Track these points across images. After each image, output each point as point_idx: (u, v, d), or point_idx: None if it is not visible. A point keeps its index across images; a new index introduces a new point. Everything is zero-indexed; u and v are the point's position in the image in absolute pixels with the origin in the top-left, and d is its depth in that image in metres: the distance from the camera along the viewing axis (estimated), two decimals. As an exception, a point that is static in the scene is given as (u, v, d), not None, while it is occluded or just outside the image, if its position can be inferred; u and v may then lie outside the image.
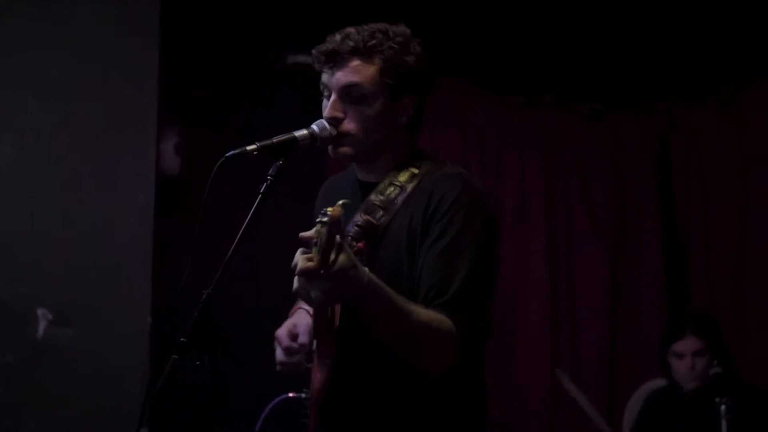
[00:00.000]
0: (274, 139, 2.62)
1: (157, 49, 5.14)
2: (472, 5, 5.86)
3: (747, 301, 6.26)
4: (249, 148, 2.57)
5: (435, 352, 2.59)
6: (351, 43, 2.73)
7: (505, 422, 5.69)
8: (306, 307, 2.93)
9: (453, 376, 2.66)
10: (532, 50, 6.25)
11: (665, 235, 6.58)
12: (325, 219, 2.21)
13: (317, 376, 2.72)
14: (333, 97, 2.75)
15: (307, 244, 2.34)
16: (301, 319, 2.92)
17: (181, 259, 5.35)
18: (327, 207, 2.55)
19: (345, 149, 2.76)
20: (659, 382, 5.52)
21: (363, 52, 2.73)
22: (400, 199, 2.74)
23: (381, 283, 2.46)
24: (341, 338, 2.69)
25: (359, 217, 2.73)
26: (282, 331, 2.91)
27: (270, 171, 2.58)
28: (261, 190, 2.54)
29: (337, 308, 2.70)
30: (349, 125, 2.74)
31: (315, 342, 2.78)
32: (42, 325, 4.81)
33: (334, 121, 2.73)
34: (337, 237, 2.25)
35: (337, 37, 2.76)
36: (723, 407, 4.58)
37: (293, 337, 2.87)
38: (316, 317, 2.72)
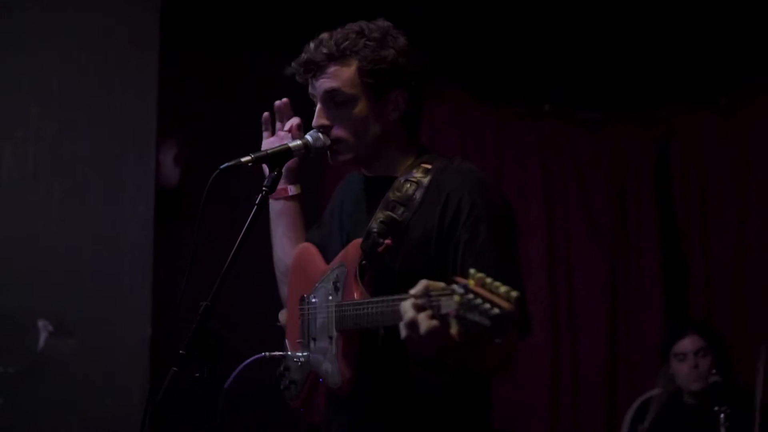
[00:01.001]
0: (269, 150, 2.63)
1: (156, 59, 5.14)
2: (472, 14, 5.87)
3: (746, 307, 6.25)
4: (244, 159, 2.58)
5: (505, 362, 2.62)
6: (324, 50, 2.73)
7: (506, 430, 5.69)
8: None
9: (462, 381, 2.66)
10: (532, 59, 6.26)
11: (664, 241, 6.58)
12: (479, 303, 2.09)
13: (344, 371, 2.68)
14: (318, 106, 2.76)
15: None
16: None
17: (182, 270, 5.34)
18: (345, 203, 2.55)
19: (342, 156, 2.77)
20: (654, 392, 5.51)
21: (337, 56, 2.72)
22: (417, 195, 2.72)
23: None
24: (369, 340, 2.67)
25: (380, 214, 2.71)
26: (284, 315, 2.92)
27: (265, 182, 2.58)
28: (256, 201, 2.55)
29: None
30: (338, 131, 2.74)
31: (341, 337, 2.75)
32: (43, 337, 4.81)
33: (322, 129, 2.73)
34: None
35: (312, 45, 2.76)
36: (722, 415, 4.58)
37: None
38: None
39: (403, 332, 2.26)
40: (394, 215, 2.70)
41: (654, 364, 5.52)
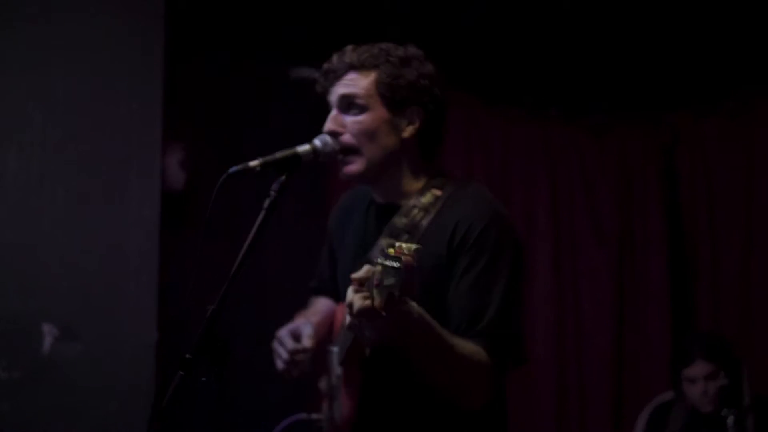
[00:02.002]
0: (277, 155, 2.62)
1: (162, 63, 5.13)
2: (477, 18, 5.86)
3: (753, 311, 6.24)
4: (252, 164, 2.57)
5: (474, 386, 2.60)
6: (346, 59, 2.76)
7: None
8: (311, 318, 2.92)
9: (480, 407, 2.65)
10: (537, 63, 6.25)
11: (671, 246, 6.56)
12: (396, 265, 2.18)
13: (345, 403, 2.71)
14: (332, 112, 2.76)
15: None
16: (303, 324, 2.91)
17: (188, 274, 5.34)
18: (345, 225, 2.55)
19: (352, 168, 2.76)
20: (667, 396, 5.50)
21: (357, 66, 2.75)
22: (424, 223, 2.72)
23: (427, 316, 2.46)
24: (369, 366, 2.67)
25: (383, 242, 2.72)
26: (284, 332, 2.89)
27: (273, 186, 2.57)
28: (264, 206, 2.54)
29: None
30: (348, 138, 2.74)
31: (342, 369, 2.76)
32: (48, 341, 4.80)
33: (333, 135, 2.73)
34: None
35: (335, 56, 2.79)
36: (730, 419, 4.56)
37: (296, 338, 2.86)
38: (353, 346, 2.70)
39: (347, 320, 2.33)
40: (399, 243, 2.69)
41: (661, 370, 5.50)
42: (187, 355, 2.36)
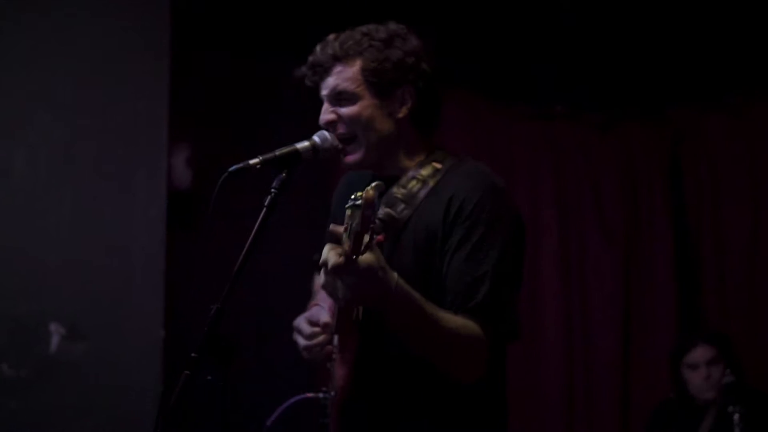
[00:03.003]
0: (277, 152, 2.62)
1: (168, 63, 5.15)
2: (482, 16, 5.87)
3: (760, 309, 6.24)
4: (252, 161, 2.58)
5: (465, 360, 2.58)
6: (330, 51, 2.75)
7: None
8: (323, 303, 2.92)
9: (475, 387, 2.64)
10: (542, 60, 6.26)
11: (677, 243, 6.56)
12: (358, 202, 2.20)
13: (339, 372, 2.70)
14: (325, 104, 2.77)
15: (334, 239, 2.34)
16: (317, 310, 2.90)
17: (194, 273, 5.35)
18: (346, 200, 2.56)
19: (352, 157, 2.76)
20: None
21: (341, 56, 2.74)
22: (422, 194, 2.71)
23: (409, 287, 2.45)
24: (364, 332, 2.66)
25: (381, 210, 2.67)
26: (300, 319, 2.89)
27: (273, 184, 2.58)
28: (265, 203, 2.55)
29: None
30: (343, 127, 2.74)
31: (337, 338, 2.75)
32: (55, 340, 4.81)
33: (329, 126, 2.74)
34: (367, 234, 2.24)
35: (318, 48, 2.78)
36: (736, 416, 4.57)
37: (312, 324, 2.85)
38: (341, 313, 2.70)
39: (321, 278, 2.36)
40: (393, 212, 2.68)
41: (668, 365, 5.50)
42: (193, 354, 2.37)
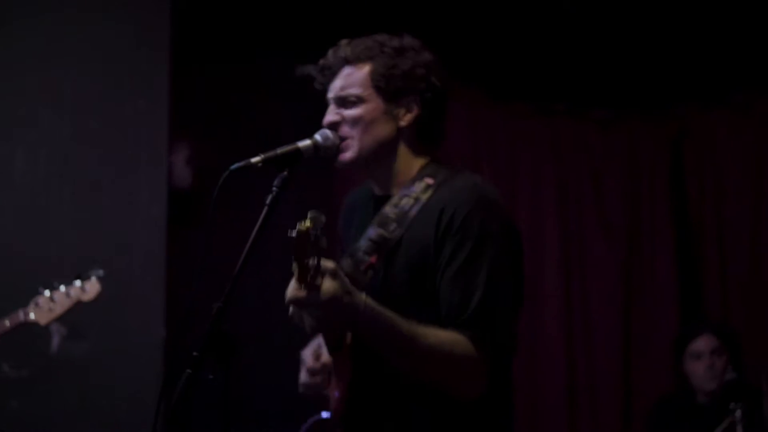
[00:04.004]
0: (278, 151, 2.62)
1: (168, 62, 5.15)
2: (484, 13, 5.86)
3: (762, 304, 6.24)
4: (253, 160, 2.57)
5: (454, 376, 2.55)
6: (341, 54, 2.76)
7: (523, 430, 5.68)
8: None
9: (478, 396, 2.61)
10: (544, 58, 6.25)
11: (679, 239, 6.56)
12: (293, 235, 2.23)
13: (334, 396, 2.71)
14: (331, 106, 2.77)
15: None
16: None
17: (195, 272, 5.35)
18: (351, 223, 2.57)
19: (345, 155, 2.75)
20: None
21: (352, 60, 2.75)
22: (413, 211, 2.68)
23: (380, 308, 2.44)
24: (355, 355, 2.67)
25: (372, 231, 2.70)
26: (307, 351, 2.89)
27: (275, 182, 2.58)
28: (267, 202, 2.54)
29: None
30: (345, 129, 2.74)
31: (332, 359, 2.76)
32: (56, 340, 4.82)
33: (332, 126, 2.73)
34: (323, 262, 2.27)
35: (330, 52, 2.79)
36: (738, 412, 4.56)
37: (318, 356, 2.86)
38: (326, 334, 2.71)
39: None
40: (385, 232, 2.68)
41: (670, 364, 5.50)
42: (195, 353, 2.37)
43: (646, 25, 5.98)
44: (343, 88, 2.75)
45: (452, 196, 2.66)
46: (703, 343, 5.22)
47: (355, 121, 2.73)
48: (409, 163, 2.79)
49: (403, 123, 2.76)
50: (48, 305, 3.94)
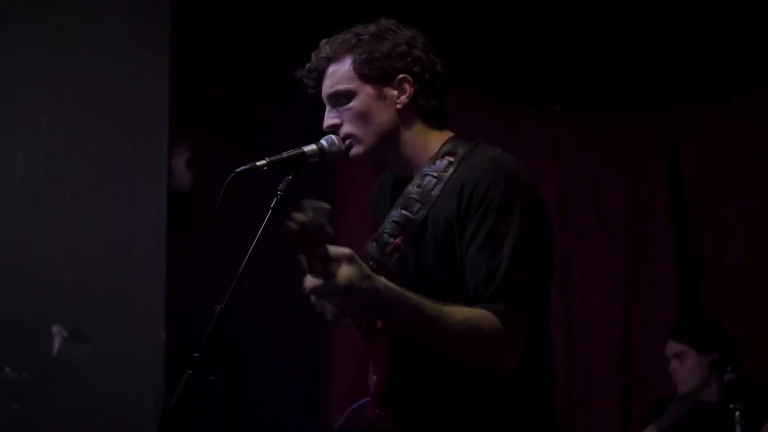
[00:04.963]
0: (284, 154, 2.62)
1: (168, 63, 5.15)
2: (482, 15, 5.87)
3: (760, 305, 6.24)
4: (259, 163, 2.57)
5: (484, 353, 2.54)
6: (323, 54, 2.77)
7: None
8: None
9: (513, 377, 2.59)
10: (541, 59, 6.25)
11: (677, 240, 6.56)
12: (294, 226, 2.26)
13: (372, 376, 2.69)
14: (327, 108, 2.78)
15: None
16: None
17: (195, 274, 5.35)
18: (378, 207, 2.57)
19: (354, 151, 2.76)
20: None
21: (332, 57, 2.75)
22: (437, 190, 2.68)
23: (401, 290, 2.44)
24: (391, 337, 2.66)
25: (396, 212, 2.70)
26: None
27: (280, 186, 2.58)
28: (271, 206, 2.54)
29: None
30: (346, 128, 2.74)
31: (366, 342, 2.74)
32: (57, 342, 4.82)
33: (332, 129, 2.74)
34: (336, 249, 2.28)
35: (313, 55, 2.80)
36: (737, 413, 4.57)
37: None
38: (354, 321, 2.71)
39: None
40: (409, 213, 2.68)
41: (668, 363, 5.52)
42: (196, 354, 2.37)
43: (644, 26, 5.99)
44: (331, 87, 2.75)
45: (472, 171, 2.65)
46: (666, 349, 5.37)
47: (352, 116, 2.73)
48: (422, 142, 2.79)
49: (399, 105, 2.76)
50: None
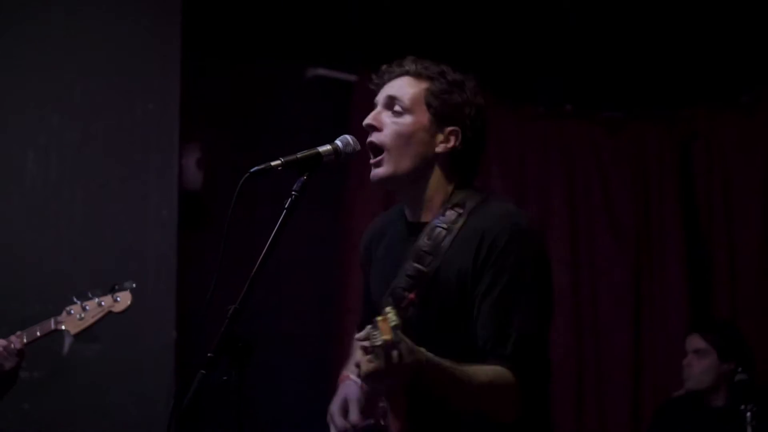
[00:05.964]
0: (299, 155, 2.63)
1: (178, 64, 5.15)
2: (493, 15, 5.87)
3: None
4: (273, 163, 2.58)
5: (501, 405, 2.65)
6: (405, 66, 2.85)
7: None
8: (353, 376, 2.95)
9: (519, 422, 2.69)
10: (552, 59, 6.25)
11: (688, 242, 6.55)
12: (376, 335, 2.28)
13: (394, 426, 2.72)
14: (376, 108, 2.80)
15: None
16: (351, 391, 2.95)
17: (206, 274, 5.35)
18: (375, 250, 2.59)
19: (379, 171, 2.79)
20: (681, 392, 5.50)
21: (413, 73, 2.83)
22: (447, 242, 2.75)
23: (437, 360, 2.50)
24: (410, 392, 2.70)
25: (409, 266, 2.77)
26: (335, 408, 2.94)
27: (294, 186, 2.58)
28: (286, 206, 2.55)
29: None
30: (381, 137, 2.78)
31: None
32: (67, 342, 4.82)
33: (369, 128, 2.77)
34: (394, 353, 2.32)
35: (395, 62, 2.88)
36: (748, 414, 4.57)
37: (345, 413, 2.91)
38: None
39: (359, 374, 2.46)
40: (422, 266, 2.75)
41: (679, 364, 5.50)
42: (210, 354, 2.37)
43: (655, 27, 5.99)
44: (396, 91, 2.82)
45: (488, 226, 2.73)
46: (688, 342, 5.30)
47: (395, 131, 2.78)
48: (440, 189, 2.85)
49: (439, 149, 2.81)
50: (79, 314, 3.95)
